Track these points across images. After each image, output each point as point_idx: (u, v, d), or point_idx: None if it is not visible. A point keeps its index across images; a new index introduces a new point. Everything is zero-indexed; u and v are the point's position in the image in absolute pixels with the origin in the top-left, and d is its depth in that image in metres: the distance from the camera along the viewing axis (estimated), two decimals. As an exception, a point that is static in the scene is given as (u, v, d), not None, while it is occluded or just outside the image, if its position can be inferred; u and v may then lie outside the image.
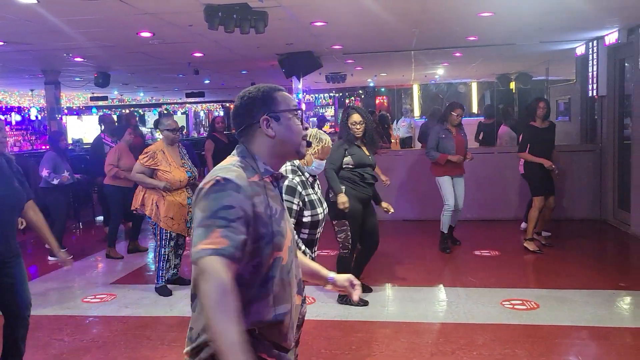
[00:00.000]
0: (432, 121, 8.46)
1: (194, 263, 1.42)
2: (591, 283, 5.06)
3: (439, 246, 6.38)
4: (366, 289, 4.94)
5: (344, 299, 4.64)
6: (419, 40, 7.62)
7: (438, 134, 6.18)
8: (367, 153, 4.72)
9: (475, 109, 17.23)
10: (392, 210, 4.77)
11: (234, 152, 1.69)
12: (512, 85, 13.69)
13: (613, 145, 7.62)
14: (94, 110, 21.23)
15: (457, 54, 9.41)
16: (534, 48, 8.83)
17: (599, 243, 6.95)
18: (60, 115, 10.31)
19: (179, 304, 4.85)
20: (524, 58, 10.45)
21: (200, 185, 1.54)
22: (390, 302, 4.83)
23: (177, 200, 4.97)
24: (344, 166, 4.63)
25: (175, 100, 22.22)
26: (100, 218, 8.60)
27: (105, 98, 16.71)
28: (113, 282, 5.65)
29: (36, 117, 18.98)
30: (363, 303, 4.63)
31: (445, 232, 6.34)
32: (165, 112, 22.45)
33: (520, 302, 4.60)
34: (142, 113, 21.42)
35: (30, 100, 17.30)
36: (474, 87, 17.30)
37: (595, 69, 7.72)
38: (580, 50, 8.39)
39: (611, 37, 7.16)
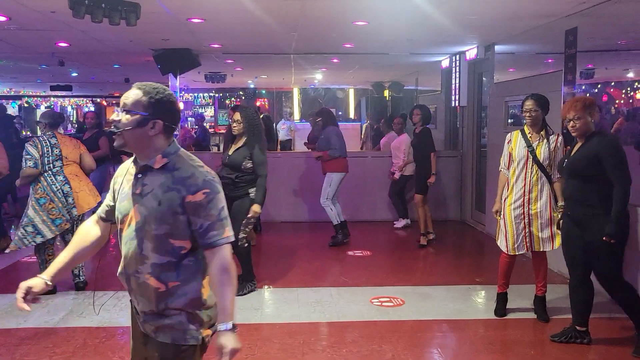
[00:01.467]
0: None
1: None
2: (451, 279, 5.46)
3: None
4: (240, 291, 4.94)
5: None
6: (298, 44, 7.73)
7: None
8: (228, 152, 4.86)
9: (352, 115, 17.89)
10: (250, 214, 4.73)
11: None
12: (386, 93, 14.39)
13: (472, 151, 8.31)
14: (-61, 99, 18.84)
15: (335, 60, 9.70)
16: (405, 59, 9.36)
17: (458, 242, 7.53)
18: None
19: (34, 314, 4.44)
20: (396, 68, 11.04)
21: None
22: (264, 304, 4.84)
23: None
24: None
25: (38, 93, 20.43)
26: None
27: (-47, 87, 14.90)
28: (-44, 293, 5.05)
29: None
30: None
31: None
32: (26, 105, 20.59)
33: (388, 299, 4.84)
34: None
35: None
36: (351, 93, 17.94)
37: (457, 81, 8.37)
38: (445, 63, 9.05)
39: (471, 52, 7.81)
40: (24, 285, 1.97)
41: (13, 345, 3.85)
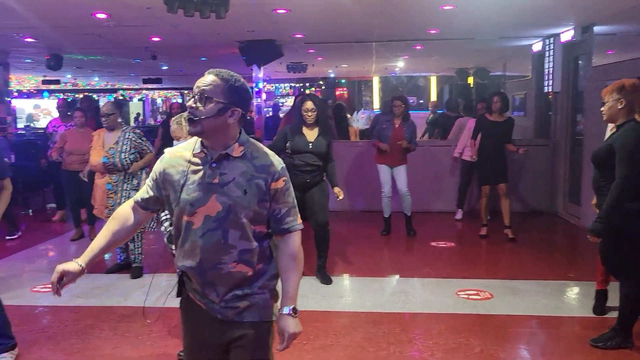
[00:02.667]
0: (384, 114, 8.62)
1: None
2: (542, 274, 5.21)
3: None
4: (327, 280, 4.96)
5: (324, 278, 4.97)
6: (380, 31, 7.64)
7: (381, 124, 6.59)
8: (308, 139, 4.82)
9: (434, 103, 17.46)
10: (341, 196, 4.85)
11: None
12: (470, 79, 13.92)
13: (565, 140, 7.85)
14: (46, 94, 20.46)
15: (418, 47, 9.49)
16: (492, 43, 8.99)
17: (550, 235, 7.17)
18: (9, 99, 9.85)
19: (133, 293, 4.73)
20: (482, 53, 10.64)
21: None
22: (348, 293, 4.85)
23: (98, 183, 5.15)
24: (287, 152, 4.82)
25: (131, 86, 21.63)
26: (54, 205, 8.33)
27: (57, 82, 16.08)
28: (64, 272, 5.46)
29: (-17, 99, 18.13)
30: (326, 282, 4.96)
31: (385, 216, 6.72)
32: (121, 97, 21.88)
33: (475, 292, 4.69)
34: (96, 98, 20.78)
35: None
36: (433, 80, 17.52)
37: (550, 65, 7.92)
38: (536, 46, 8.59)
39: (567, 34, 7.35)
40: (59, 268, 1.92)
41: (114, 322, 4.12)
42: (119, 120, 5.21)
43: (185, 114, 3.47)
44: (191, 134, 1.91)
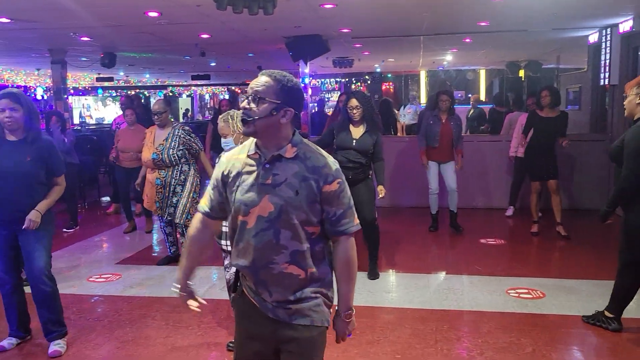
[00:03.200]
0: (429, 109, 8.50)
1: None
2: (597, 273, 5.03)
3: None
4: (374, 275, 4.96)
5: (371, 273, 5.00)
6: (429, 24, 7.52)
7: (427, 120, 6.46)
8: (353, 136, 4.81)
9: (483, 97, 17.08)
10: (382, 194, 4.80)
11: None
12: (522, 73, 13.54)
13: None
14: (100, 91, 21.22)
15: (467, 40, 9.30)
16: (546, 35, 8.70)
17: (606, 233, 6.88)
18: (66, 95, 10.27)
19: (183, 285, 4.85)
20: (535, 45, 10.31)
21: None
22: (395, 289, 4.82)
23: (149, 178, 5.28)
24: (333, 147, 4.87)
25: (180, 83, 22.15)
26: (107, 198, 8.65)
27: (111, 79, 16.64)
28: (118, 262, 5.66)
29: (42, 96, 18.96)
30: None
31: (433, 213, 6.66)
32: (170, 94, 22.42)
33: (526, 291, 4.58)
34: (147, 95, 21.39)
35: (36, 80, 17.26)
36: (483, 74, 17.14)
37: (607, 57, 7.60)
38: (593, 38, 8.27)
39: (626, 24, 7.04)
40: (185, 304, 2.25)
41: (166, 312, 4.23)
42: (169, 117, 5.35)
43: (232, 112, 3.54)
44: (245, 134, 1.94)
